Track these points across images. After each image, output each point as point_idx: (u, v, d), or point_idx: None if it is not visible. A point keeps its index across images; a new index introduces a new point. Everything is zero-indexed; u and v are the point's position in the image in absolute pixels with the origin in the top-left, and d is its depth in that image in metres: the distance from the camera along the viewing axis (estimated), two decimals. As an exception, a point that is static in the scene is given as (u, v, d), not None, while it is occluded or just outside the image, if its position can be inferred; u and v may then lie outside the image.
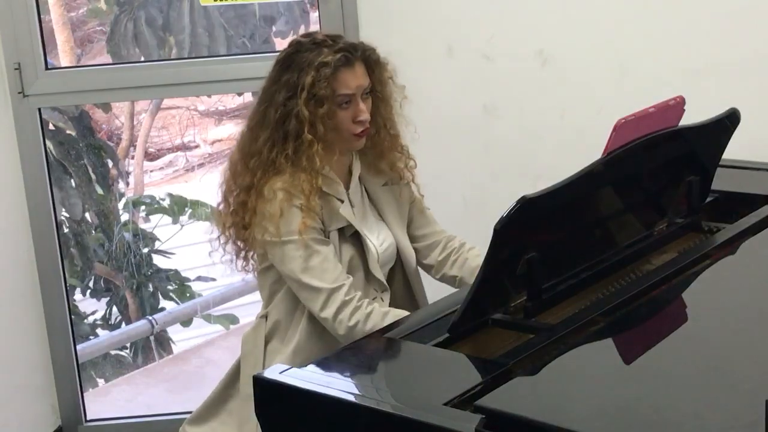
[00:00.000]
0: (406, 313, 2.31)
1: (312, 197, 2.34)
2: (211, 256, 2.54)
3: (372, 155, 2.51)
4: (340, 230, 2.41)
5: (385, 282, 2.47)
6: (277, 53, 2.47)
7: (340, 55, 2.35)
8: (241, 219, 2.40)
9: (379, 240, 2.48)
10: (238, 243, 2.46)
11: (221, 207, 2.48)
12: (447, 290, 2.31)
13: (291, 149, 2.36)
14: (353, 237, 2.43)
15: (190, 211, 4.44)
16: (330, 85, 2.34)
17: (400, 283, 2.54)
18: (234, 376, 2.52)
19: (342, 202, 2.42)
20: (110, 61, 4.19)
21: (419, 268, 2.60)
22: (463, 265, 2.53)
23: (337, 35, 2.46)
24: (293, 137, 2.36)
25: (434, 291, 2.48)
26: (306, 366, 1.84)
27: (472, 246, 2.57)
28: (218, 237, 2.49)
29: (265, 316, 2.48)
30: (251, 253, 2.48)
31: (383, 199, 2.53)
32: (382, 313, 2.30)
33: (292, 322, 2.43)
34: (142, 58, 4.16)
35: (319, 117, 2.34)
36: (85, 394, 3.67)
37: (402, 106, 2.52)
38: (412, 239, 2.58)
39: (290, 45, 2.44)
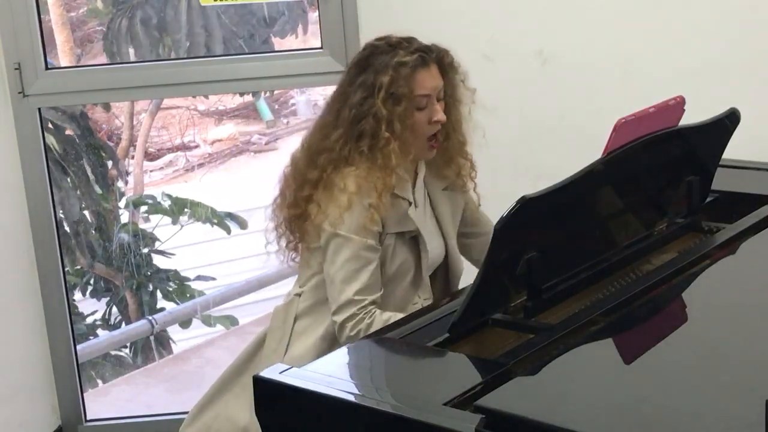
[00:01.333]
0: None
1: (384, 196, 2.35)
2: (267, 249, 2.55)
3: (441, 160, 2.52)
4: (399, 232, 2.41)
5: (430, 290, 2.47)
6: (281, 52, 2.49)
7: (417, 55, 2.39)
8: (302, 212, 2.42)
9: (432, 244, 2.48)
10: (291, 235, 2.48)
11: (278, 201, 2.49)
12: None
13: (366, 146, 2.37)
14: (412, 240, 2.44)
15: (189, 211, 4.44)
16: (408, 85, 2.37)
17: (439, 290, 2.54)
18: (254, 350, 2.53)
19: (410, 204, 2.43)
20: (109, 61, 4.19)
21: (472, 263, 2.62)
22: None
23: (411, 37, 2.47)
24: (369, 136, 2.37)
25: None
26: (306, 366, 1.85)
27: None
28: (275, 229, 2.51)
29: (299, 294, 2.48)
30: (302, 244, 2.48)
31: (441, 203, 2.54)
32: (382, 322, 2.31)
33: (326, 307, 2.43)
34: (137, 58, 4.16)
35: (397, 115, 2.36)
36: (85, 394, 3.67)
37: (471, 111, 2.53)
38: (466, 236, 2.59)
39: (364, 48, 2.47)
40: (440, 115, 2.41)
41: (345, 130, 2.40)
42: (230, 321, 4.49)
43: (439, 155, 2.50)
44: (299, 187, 2.43)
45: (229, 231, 4.39)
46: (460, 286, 2.56)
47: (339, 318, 2.35)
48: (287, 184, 2.48)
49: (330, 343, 2.41)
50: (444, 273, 2.55)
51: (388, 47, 2.41)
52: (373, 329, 2.30)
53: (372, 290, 2.36)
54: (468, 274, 2.59)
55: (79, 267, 4.22)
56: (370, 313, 2.34)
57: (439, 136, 2.45)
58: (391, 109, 2.36)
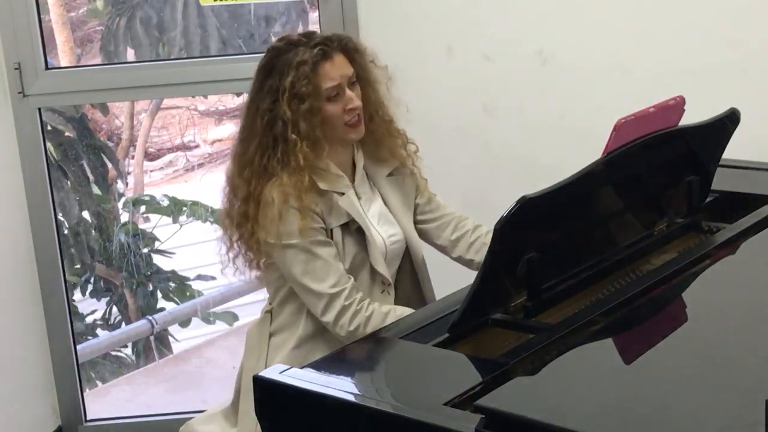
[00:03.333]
0: (407, 310, 2.31)
1: (305, 196, 2.33)
2: (224, 273, 2.53)
3: (371, 143, 2.51)
4: (344, 226, 2.40)
5: (388, 277, 2.45)
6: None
7: (317, 49, 2.37)
8: (247, 229, 2.40)
9: (388, 233, 2.47)
10: (249, 254, 2.46)
11: (226, 222, 2.47)
12: (455, 285, 2.25)
13: (280, 152, 2.36)
14: (359, 231, 2.42)
15: (187, 211, 4.44)
16: (311, 82, 2.35)
17: (408, 278, 2.53)
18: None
19: (342, 195, 2.42)
20: (106, 60, 4.19)
21: (435, 249, 2.60)
22: (480, 250, 2.50)
23: (312, 32, 2.47)
24: (282, 140, 2.36)
25: (442, 286, 2.45)
26: (306, 366, 1.84)
27: (489, 229, 2.55)
28: (227, 252, 2.48)
29: (270, 312, 2.48)
30: (262, 260, 2.46)
31: (389, 191, 2.53)
32: (382, 314, 2.31)
33: (297, 317, 2.43)
34: (136, 58, 4.16)
35: (302, 115, 2.34)
36: (85, 394, 3.67)
37: (389, 87, 2.52)
38: (422, 222, 2.57)
39: (268, 51, 2.44)
40: (354, 102, 2.39)
41: (260, 139, 2.38)
42: (232, 317, 4.49)
43: (368, 139, 2.48)
44: (239, 205, 2.42)
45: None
46: (457, 285, 2.56)
47: (329, 317, 2.33)
48: (230, 203, 2.45)
49: (306, 350, 2.39)
50: (408, 261, 2.53)
51: (289, 46, 2.39)
52: (372, 322, 2.29)
53: (345, 279, 2.35)
54: (460, 273, 2.59)
55: (79, 267, 4.22)
56: (362, 303, 2.32)
57: (361, 116, 2.42)
58: (296, 109, 2.34)
